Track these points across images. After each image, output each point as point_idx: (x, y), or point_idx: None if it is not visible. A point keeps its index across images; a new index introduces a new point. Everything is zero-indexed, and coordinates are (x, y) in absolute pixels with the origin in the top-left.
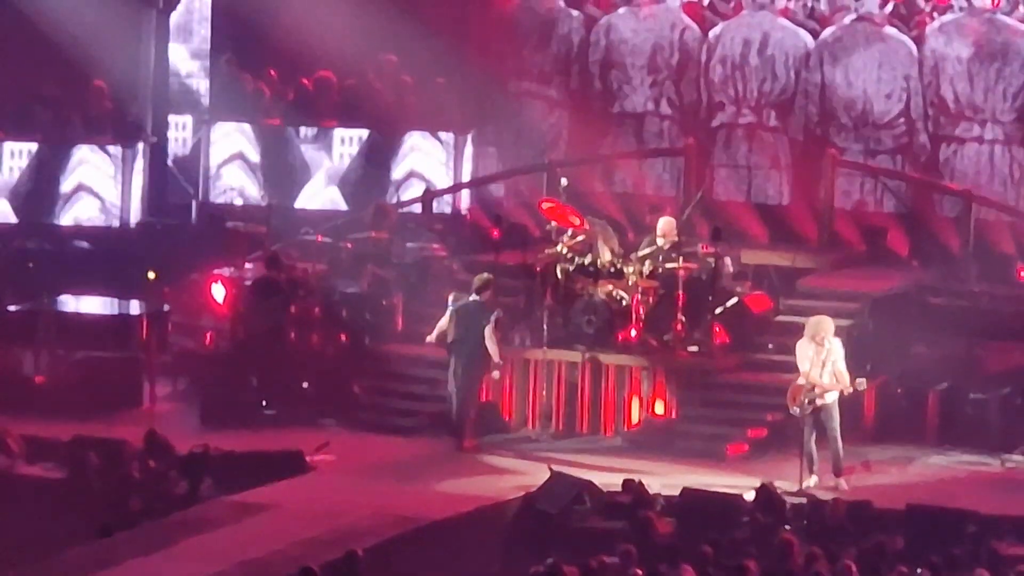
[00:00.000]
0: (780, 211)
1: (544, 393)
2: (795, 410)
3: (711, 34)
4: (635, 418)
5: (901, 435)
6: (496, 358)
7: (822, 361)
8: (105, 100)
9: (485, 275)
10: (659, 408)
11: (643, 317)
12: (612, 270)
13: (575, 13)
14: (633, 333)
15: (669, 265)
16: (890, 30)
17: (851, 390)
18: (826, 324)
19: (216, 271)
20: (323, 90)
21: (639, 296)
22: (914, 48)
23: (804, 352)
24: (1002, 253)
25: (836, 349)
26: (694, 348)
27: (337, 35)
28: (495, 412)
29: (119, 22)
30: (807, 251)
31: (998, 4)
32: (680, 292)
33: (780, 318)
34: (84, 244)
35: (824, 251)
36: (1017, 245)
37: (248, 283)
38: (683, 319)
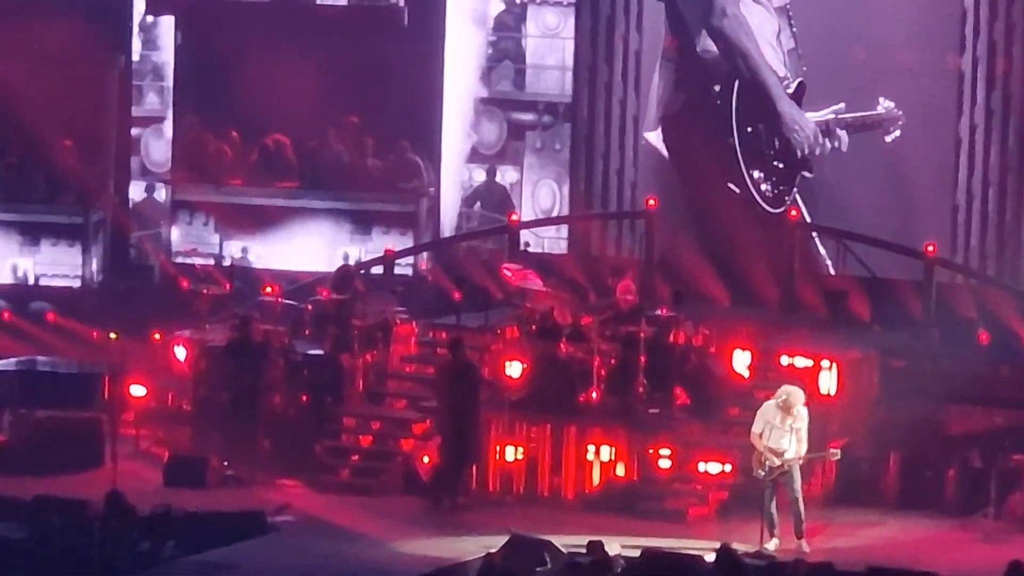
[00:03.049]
0: (742, 274)
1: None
2: (759, 473)
3: None
4: (596, 480)
5: (862, 497)
6: None
7: (789, 427)
8: (71, 159)
9: (453, 336)
10: (620, 470)
11: (604, 379)
12: (573, 332)
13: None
14: (594, 395)
15: (630, 328)
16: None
17: (807, 459)
18: (797, 394)
19: (178, 332)
20: (285, 151)
21: (600, 358)
22: None
23: (765, 415)
24: (964, 317)
25: (803, 417)
26: (655, 410)
27: (300, 96)
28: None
29: (81, 84)
30: (769, 314)
31: None
32: (641, 354)
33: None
34: (46, 304)
35: (786, 314)
36: (979, 309)
37: (220, 345)
38: (644, 381)
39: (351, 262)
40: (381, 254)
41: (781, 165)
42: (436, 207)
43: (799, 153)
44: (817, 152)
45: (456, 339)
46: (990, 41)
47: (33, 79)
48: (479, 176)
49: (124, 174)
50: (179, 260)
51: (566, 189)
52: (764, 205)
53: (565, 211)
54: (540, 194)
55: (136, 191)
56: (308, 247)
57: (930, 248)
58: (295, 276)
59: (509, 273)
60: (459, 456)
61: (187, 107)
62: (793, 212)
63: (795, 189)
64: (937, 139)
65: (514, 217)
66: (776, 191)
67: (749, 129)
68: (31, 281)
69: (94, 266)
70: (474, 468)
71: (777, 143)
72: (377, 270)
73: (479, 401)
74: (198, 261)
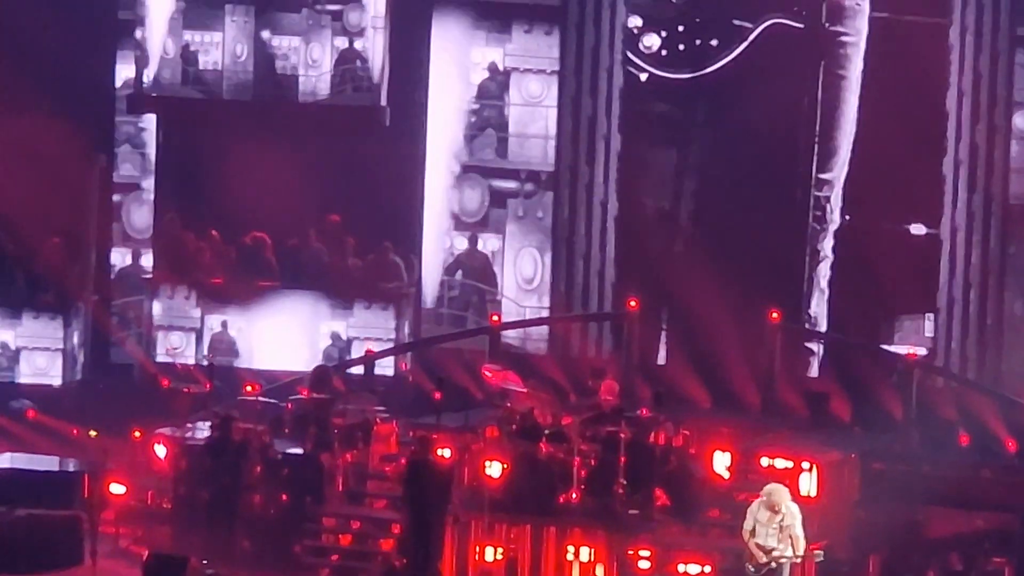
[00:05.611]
0: (723, 376)
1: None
2: (749, 568)
3: None
4: None
5: None
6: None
7: (777, 525)
8: (57, 257)
9: (421, 432)
10: (600, 571)
11: (584, 480)
12: (554, 433)
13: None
14: (574, 496)
15: (611, 428)
16: None
17: (801, 558)
18: (782, 492)
19: (158, 430)
20: (265, 250)
21: (581, 459)
22: None
23: (754, 513)
24: (945, 419)
25: (793, 514)
26: (635, 512)
27: (281, 195)
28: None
29: (63, 179)
30: (749, 416)
31: None
32: (621, 455)
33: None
34: (26, 402)
35: (767, 417)
36: (959, 411)
37: (199, 443)
38: (624, 482)
39: (332, 336)
40: (362, 331)
41: None
42: (418, 295)
43: None
44: None
45: (423, 436)
46: (972, 144)
47: (13, 178)
48: (460, 244)
49: (104, 274)
50: (160, 359)
51: (548, 257)
52: None
53: (547, 279)
54: (522, 262)
55: (119, 258)
56: (290, 320)
57: (911, 351)
58: (275, 375)
59: (489, 374)
60: (423, 554)
61: (168, 205)
62: (775, 314)
63: None
64: (919, 242)
65: (495, 318)
66: None
67: None
68: (11, 379)
69: (76, 339)
70: (438, 567)
71: None
72: (358, 370)
73: (442, 499)
74: (174, 338)
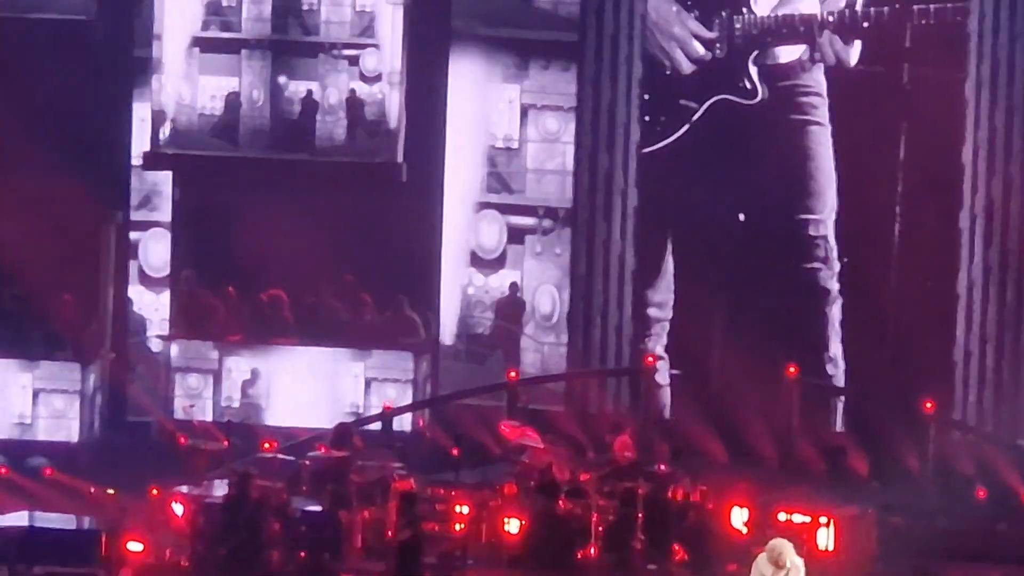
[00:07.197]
0: (740, 430)
1: None
2: None
3: None
4: None
5: None
6: None
7: None
8: (70, 314)
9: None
10: None
11: (602, 535)
12: (572, 489)
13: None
14: (593, 551)
15: (628, 484)
16: None
17: None
18: (785, 547)
19: (175, 488)
20: (282, 307)
21: (599, 515)
22: None
23: (759, 567)
24: (962, 473)
25: (798, 568)
26: (653, 567)
27: (297, 252)
28: None
29: (79, 237)
30: (766, 471)
31: None
32: (639, 511)
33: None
34: (43, 460)
35: (783, 471)
36: (977, 465)
37: (217, 501)
38: (642, 537)
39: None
40: (381, 372)
41: None
42: (435, 340)
43: None
44: None
45: (406, 493)
46: (988, 198)
47: (28, 235)
48: (478, 280)
49: (121, 332)
50: (177, 416)
51: (566, 294)
52: None
53: (564, 315)
54: (540, 299)
55: (136, 297)
56: (309, 364)
57: (928, 405)
58: (293, 432)
59: (507, 429)
60: None
61: (185, 262)
62: (791, 369)
63: None
64: (936, 296)
65: (512, 374)
66: None
67: None
68: (27, 436)
69: (92, 381)
70: None
71: None
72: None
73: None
74: (191, 380)
